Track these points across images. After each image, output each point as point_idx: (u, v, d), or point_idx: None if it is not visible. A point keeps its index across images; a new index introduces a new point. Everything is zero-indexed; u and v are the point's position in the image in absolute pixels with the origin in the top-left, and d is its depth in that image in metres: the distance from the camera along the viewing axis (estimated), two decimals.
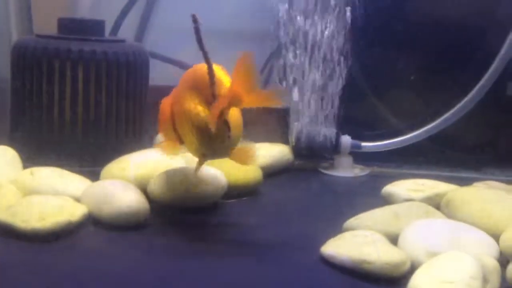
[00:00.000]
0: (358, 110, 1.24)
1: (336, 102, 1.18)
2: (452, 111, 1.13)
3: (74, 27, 1.06)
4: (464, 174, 1.16)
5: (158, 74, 1.52)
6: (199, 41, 0.81)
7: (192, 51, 1.50)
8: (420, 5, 1.21)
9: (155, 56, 1.48)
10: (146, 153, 1.01)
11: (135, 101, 1.07)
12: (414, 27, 1.19)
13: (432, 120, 1.15)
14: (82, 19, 1.10)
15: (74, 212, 0.83)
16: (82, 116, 1.01)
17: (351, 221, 0.85)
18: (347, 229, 0.84)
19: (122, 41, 1.09)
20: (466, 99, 1.11)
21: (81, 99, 1.01)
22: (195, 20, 0.80)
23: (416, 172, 1.15)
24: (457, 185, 0.97)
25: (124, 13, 1.40)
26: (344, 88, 1.18)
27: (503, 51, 1.08)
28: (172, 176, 0.93)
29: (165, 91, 1.50)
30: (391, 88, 1.21)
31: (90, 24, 1.06)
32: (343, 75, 1.18)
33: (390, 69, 1.20)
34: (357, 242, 0.77)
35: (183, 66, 1.47)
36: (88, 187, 0.91)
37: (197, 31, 0.80)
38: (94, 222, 0.85)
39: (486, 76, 1.10)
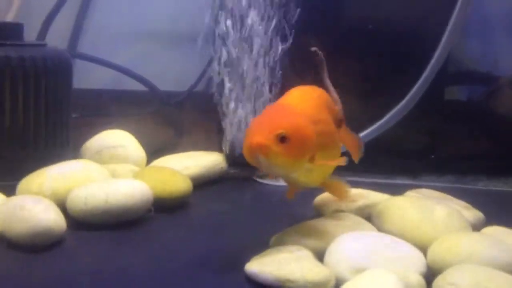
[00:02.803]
0: None
1: None
2: (387, 117, 1.11)
3: None
4: (400, 181, 1.14)
5: (94, 77, 1.50)
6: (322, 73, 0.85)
7: (127, 53, 1.49)
8: (355, 10, 1.19)
9: (90, 59, 1.44)
10: (67, 165, 0.96)
11: (57, 109, 1.01)
12: (350, 32, 1.17)
13: (368, 125, 1.12)
14: None
15: None
16: None
17: (279, 236, 0.81)
18: (274, 244, 0.80)
19: (42, 45, 1.02)
20: (400, 105, 1.09)
21: None
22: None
23: (352, 179, 1.10)
24: (391, 193, 0.95)
25: (51, 16, 1.34)
26: (281, 93, 1.14)
27: (435, 58, 1.07)
28: (92, 190, 0.88)
29: (101, 94, 1.48)
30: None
31: (5, 27, 1.00)
32: (279, 81, 1.14)
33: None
34: (281, 258, 0.73)
35: (120, 70, 1.43)
36: (0, 203, 0.85)
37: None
38: (5, 242, 0.80)
39: (420, 82, 1.08)
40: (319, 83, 0.89)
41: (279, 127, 0.70)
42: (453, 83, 1.37)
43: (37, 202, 0.83)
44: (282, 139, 0.70)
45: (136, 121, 1.31)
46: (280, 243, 0.79)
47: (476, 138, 1.26)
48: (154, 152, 1.17)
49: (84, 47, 1.51)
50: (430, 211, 0.82)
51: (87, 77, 1.52)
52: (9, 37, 0.99)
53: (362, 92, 1.17)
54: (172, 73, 1.43)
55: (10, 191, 0.91)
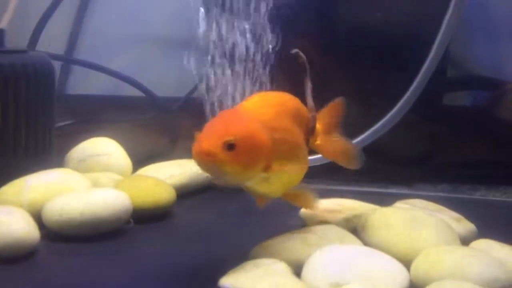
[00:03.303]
0: None
1: None
2: (380, 122, 1.07)
3: None
4: (394, 190, 1.10)
5: (91, 83, 1.48)
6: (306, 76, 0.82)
7: (125, 59, 1.47)
8: (348, 14, 1.15)
9: (83, 64, 1.42)
10: (46, 175, 0.93)
11: (37, 116, 0.98)
12: (342, 35, 1.13)
13: (361, 132, 1.08)
14: None
15: None
16: None
17: (258, 248, 0.78)
18: (253, 257, 0.77)
19: (23, 51, 1.00)
20: (393, 110, 1.05)
21: None
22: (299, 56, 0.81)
23: (344, 188, 1.08)
24: (382, 203, 0.91)
25: (42, 22, 1.33)
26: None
27: (427, 62, 1.03)
28: (69, 200, 0.85)
29: (98, 100, 1.46)
30: (318, 98, 1.14)
31: None
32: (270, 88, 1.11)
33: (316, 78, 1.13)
34: (256, 273, 0.70)
35: (117, 76, 1.41)
36: None
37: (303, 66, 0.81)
38: None
39: (413, 87, 1.04)
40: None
41: (227, 134, 0.67)
42: (455, 88, 1.33)
43: (8, 213, 0.80)
44: (230, 146, 0.67)
45: (131, 128, 1.29)
46: (259, 255, 0.76)
47: (476, 145, 1.22)
48: (146, 159, 1.15)
49: (82, 52, 1.50)
50: (417, 223, 0.78)
51: (84, 83, 1.52)
52: None
53: (356, 96, 1.14)
54: (170, 79, 1.41)
55: None
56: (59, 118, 1.22)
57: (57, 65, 1.46)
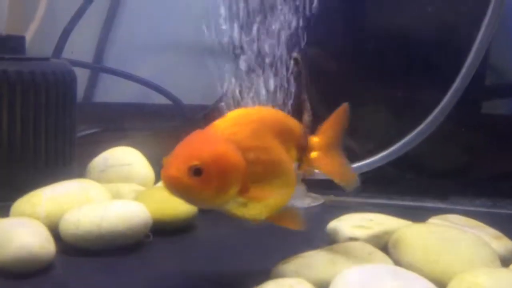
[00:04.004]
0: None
1: None
2: (414, 132, 1.01)
3: None
4: (428, 204, 1.04)
5: (119, 91, 1.47)
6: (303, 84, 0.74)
7: (153, 66, 1.46)
8: (383, 21, 1.11)
9: (116, 73, 1.42)
10: (64, 186, 0.90)
11: (58, 126, 0.96)
12: (371, 40, 1.09)
13: (393, 143, 1.03)
14: None
15: None
16: None
17: (280, 266, 0.73)
18: (275, 276, 0.72)
19: (45, 59, 0.98)
20: (428, 119, 1.00)
21: None
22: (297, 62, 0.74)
23: (375, 201, 1.03)
24: (414, 219, 0.86)
25: (67, 31, 1.32)
26: (297, 111, 1.06)
27: (464, 68, 0.97)
28: (86, 212, 0.83)
29: (123, 108, 1.45)
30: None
31: (6, 40, 0.96)
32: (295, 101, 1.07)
33: (347, 88, 1.08)
34: None
35: (144, 83, 1.40)
36: None
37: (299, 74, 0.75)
38: None
39: (449, 95, 0.99)
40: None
41: (193, 158, 0.62)
42: (494, 96, 1.27)
43: (23, 225, 0.78)
44: (196, 171, 0.62)
45: (154, 137, 1.27)
46: (281, 274, 0.72)
47: None
48: None
49: (110, 60, 1.50)
50: (452, 241, 0.73)
51: (111, 91, 1.51)
52: (10, 50, 0.96)
53: (388, 105, 1.09)
54: (196, 87, 1.39)
55: (5, 213, 0.87)
56: (83, 126, 1.21)
57: (85, 73, 1.47)
